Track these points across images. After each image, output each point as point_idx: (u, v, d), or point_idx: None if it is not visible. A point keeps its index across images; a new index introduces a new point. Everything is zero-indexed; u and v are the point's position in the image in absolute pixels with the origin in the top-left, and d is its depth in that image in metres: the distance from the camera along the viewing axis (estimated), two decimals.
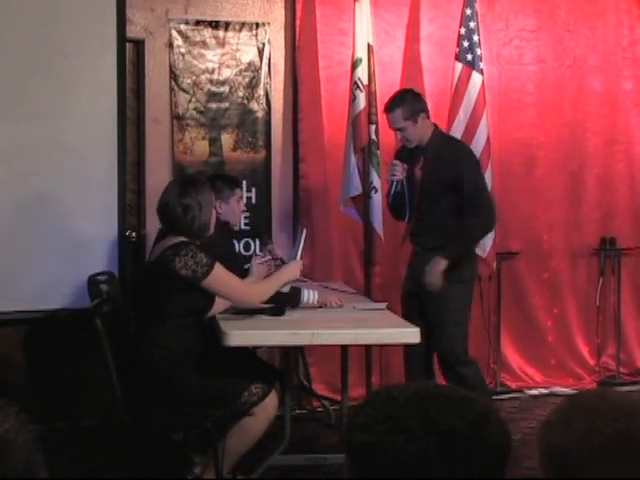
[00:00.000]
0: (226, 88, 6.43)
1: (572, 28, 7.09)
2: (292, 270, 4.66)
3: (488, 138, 6.28)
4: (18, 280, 5.54)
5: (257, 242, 6.35)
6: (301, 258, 4.80)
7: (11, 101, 5.57)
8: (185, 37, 6.34)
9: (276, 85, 6.57)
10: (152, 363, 4.21)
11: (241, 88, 6.46)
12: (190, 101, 6.36)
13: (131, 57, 6.21)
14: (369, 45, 6.29)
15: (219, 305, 4.50)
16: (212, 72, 6.40)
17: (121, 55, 5.80)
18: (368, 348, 6.23)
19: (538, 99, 7.05)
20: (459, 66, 6.34)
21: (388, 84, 6.60)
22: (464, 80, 6.32)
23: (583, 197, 7.18)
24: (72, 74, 5.67)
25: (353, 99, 6.25)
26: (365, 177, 6.26)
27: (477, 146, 6.11)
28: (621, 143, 7.23)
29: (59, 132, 5.64)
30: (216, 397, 4.21)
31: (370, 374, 6.40)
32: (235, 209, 5.36)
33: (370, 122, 6.27)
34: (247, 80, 6.47)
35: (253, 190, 6.46)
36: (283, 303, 4.78)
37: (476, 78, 6.32)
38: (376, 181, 6.25)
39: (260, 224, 6.35)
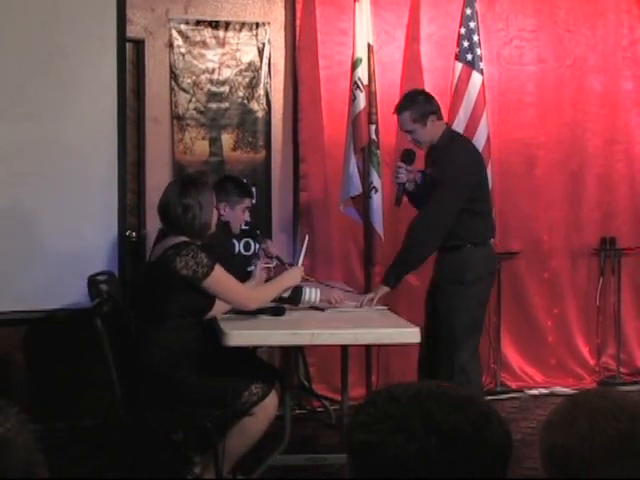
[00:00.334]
0: (226, 88, 6.43)
1: (572, 28, 7.09)
2: (293, 276, 4.66)
3: (488, 138, 6.28)
4: (18, 280, 5.54)
5: (256, 243, 6.34)
6: (302, 264, 4.80)
7: (11, 101, 5.57)
8: (185, 37, 6.34)
9: (276, 85, 6.57)
10: (152, 363, 4.21)
11: (241, 88, 6.46)
12: (190, 101, 6.36)
13: (131, 57, 6.21)
14: (369, 45, 6.30)
15: (220, 306, 4.50)
16: (212, 72, 6.40)
17: (121, 55, 5.80)
18: (368, 348, 6.23)
19: (538, 99, 7.05)
20: (459, 66, 6.35)
21: (388, 84, 6.61)
22: (464, 80, 6.33)
23: (583, 197, 7.18)
24: (72, 74, 5.67)
25: (353, 99, 6.25)
26: (365, 177, 6.26)
27: (477, 146, 6.09)
28: (621, 143, 7.23)
29: (59, 132, 5.64)
30: (216, 397, 4.20)
31: (370, 374, 6.40)
32: (238, 217, 5.35)
33: (370, 122, 6.27)
34: (247, 80, 6.47)
35: (253, 190, 6.45)
36: (284, 303, 4.78)
37: (476, 78, 6.33)
38: (376, 181, 6.25)
39: (260, 224, 6.35)
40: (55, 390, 5.81)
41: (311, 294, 4.89)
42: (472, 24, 6.37)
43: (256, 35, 6.48)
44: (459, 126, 6.21)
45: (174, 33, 6.32)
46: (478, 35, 6.38)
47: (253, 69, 6.48)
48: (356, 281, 6.50)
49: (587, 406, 1.56)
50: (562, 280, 7.15)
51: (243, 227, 5.57)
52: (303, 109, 6.55)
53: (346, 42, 6.46)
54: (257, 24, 6.48)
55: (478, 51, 6.36)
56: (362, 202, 6.30)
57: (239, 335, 4.33)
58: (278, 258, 5.45)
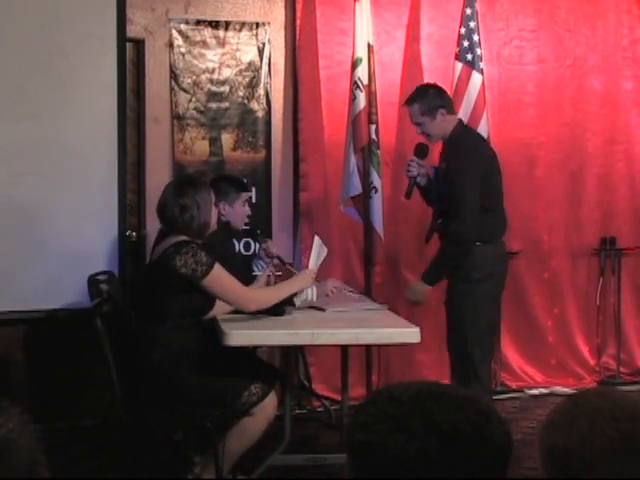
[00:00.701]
0: (226, 88, 6.43)
1: (572, 28, 7.09)
2: (304, 279, 4.64)
3: (488, 138, 6.27)
4: (18, 280, 5.54)
5: (256, 243, 6.34)
6: (317, 266, 4.75)
7: (11, 101, 5.57)
8: (185, 37, 6.34)
9: (276, 85, 6.57)
10: (152, 362, 4.21)
11: (241, 88, 6.46)
12: (190, 101, 6.36)
13: (131, 57, 6.21)
14: (369, 45, 6.30)
15: (221, 307, 4.50)
16: (212, 72, 6.40)
17: (121, 55, 5.80)
18: (368, 348, 6.23)
19: (538, 99, 7.05)
20: (459, 66, 6.35)
21: (388, 84, 6.61)
22: (464, 80, 6.33)
23: (583, 197, 7.18)
24: (72, 74, 5.67)
25: (353, 99, 6.25)
26: (365, 177, 6.26)
27: None
28: (621, 143, 7.22)
29: (59, 132, 5.64)
30: (216, 397, 4.20)
31: (370, 374, 6.40)
32: (239, 212, 5.33)
33: (370, 122, 6.27)
34: (247, 80, 6.47)
35: (253, 190, 6.45)
36: (280, 303, 4.73)
37: (476, 78, 6.33)
38: (376, 181, 6.25)
39: (260, 224, 6.34)
40: (55, 390, 5.81)
41: (307, 292, 4.86)
42: (472, 24, 6.37)
43: (256, 35, 6.48)
44: None
45: (174, 33, 6.32)
46: (478, 35, 6.38)
47: (253, 69, 6.48)
48: (356, 281, 6.50)
49: (587, 406, 1.56)
50: (562, 280, 7.15)
51: (246, 222, 5.55)
52: (303, 109, 6.55)
53: (346, 42, 6.46)
54: (257, 24, 6.48)
55: (478, 51, 6.36)
56: (362, 202, 6.30)
57: (239, 335, 4.33)
58: (279, 258, 5.44)
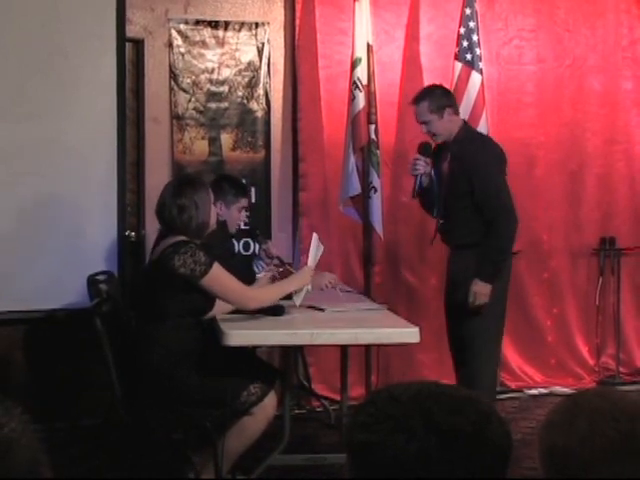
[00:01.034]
0: (225, 88, 6.43)
1: (572, 28, 7.09)
2: (302, 277, 4.64)
3: None
4: (18, 280, 5.54)
5: (256, 243, 6.33)
6: (315, 263, 4.74)
7: (11, 101, 5.57)
8: (185, 37, 6.34)
9: (275, 85, 6.57)
10: (152, 362, 4.21)
11: (240, 88, 6.46)
12: (190, 101, 6.36)
13: (131, 57, 6.21)
14: (369, 45, 6.30)
15: (221, 307, 4.49)
16: (212, 72, 6.40)
17: (121, 55, 5.80)
18: (367, 348, 6.22)
19: (537, 99, 7.05)
20: (458, 66, 6.35)
21: (387, 84, 6.61)
22: (463, 80, 6.33)
23: (583, 197, 7.18)
24: (72, 74, 5.67)
25: (352, 99, 6.25)
26: (364, 177, 6.26)
27: None
28: (621, 143, 7.23)
29: (59, 132, 5.63)
30: (215, 397, 4.20)
31: (369, 374, 6.40)
32: (234, 216, 5.32)
33: (369, 122, 6.27)
34: (247, 80, 6.47)
35: (253, 190, 6.45)
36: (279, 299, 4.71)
37: (475, 78, 6.33)
38: (375, 181, 6.25)
39: (259, 224, 6.34)
40: (55, 390, 5.81)
41: (305, 289, 4.82)
42: (472, 24, 6.37)
43: (255, 35, 6.48)
44: None
45: (173, 33, 6.32)
46: (477, 35, 6.38)
47: (252, 69, 6.48)
48: (355, 281, 6.50)
49: (587, 406, 1.56)
50: (562, 280, 7.15)
51: (241, 227, 5.56)
52: (302, 109, 6.55)
53: (345, 42, 6.46)
54: (256, 24, 6.48)
55: (477, 51, 6.36)
56: (361, 202, 6.30)
57: (238, 335, 4.33)
58: (278, 258, 5.44)
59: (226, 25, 6.42)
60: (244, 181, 6.05)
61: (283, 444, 4.91)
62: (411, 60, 6.71)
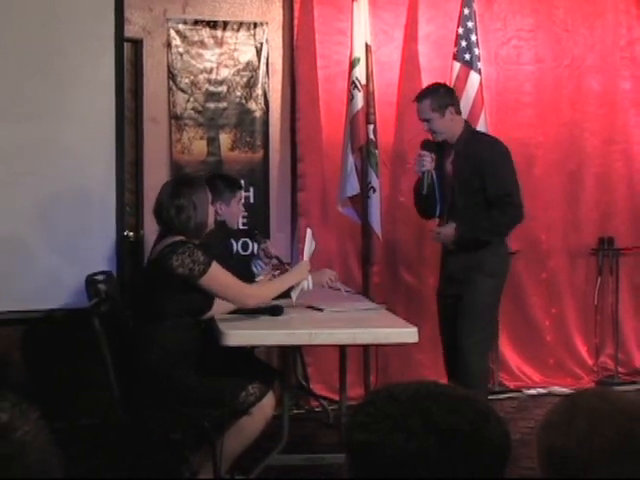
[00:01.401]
0: (224, 88, 6.43)
1: (570, 28, 7.10)
2: (299, 272, 4.64)
3: None
4: (16, 280, 5.54)
5: (254, 243, 6.33)
6: (309, 258, 4.75)
7: (9, 101, 5.56)
8: (183, 37, 6.34)
9: (274, 85, 6.57)
10: (150, 362, 4.21)
11: (239, 88, 6.46)
12: (188, 101, 6.36)
13: (129, 57, 6.21)
14: (367, 45, 6.30)
15: (221, 306, 4.49)
16: (210, 72, 6.40)
17: (119, 55, 5.80)
18: (366, 348, 6.23)
19: (536, 99, 7.05)
20: (457, 66, 6.36)
21: (386, 84, 6.61)
22: (462, 80, 6.33)
23: (581, 197, 7.18)
24: (70, 74, 5.66)
25: (351, 99, 6.25)
26: (363, 177, 6.26)
27: None
28: (619, 143, 7.23)
29: (57, 132, 5.63)
30: (214, 397, 4.20)
31: (368, 374, 6.41)
32: (235, 211, 5.34)
33: (368, 122, 6.27)
34: (245, 80, 6.47)
35: (251, 190, 6.46)
36: (277, 296, 4.71)
37: (474, 78, 6.33)
38: (374, 181, 6.25)
39: (258, 224, 6.34)
40: (53, 390, 5.81)
41: (303, 284, 4.82)
42: (470, 24, 6.37)
43: (254, 35, 6.47)
44: None
45: (172, 33, 6.32)
46: (476, 35, 6.39)
47: (251, 69, 6.47)
48: (354, 281, 6.50)
49: (585, 407, 1.56)
50: (560, 280, 7.15)
51: (241, 224, 5.55)
52: (301, 109, 6.55)
53: (344, 42, 6.46)
54: (255, 24, 6.48)
55: (476, 51, 6.36)
56: (360, 202, 6.30)
57: (237, 335, 4.33)
58: (277, 258, 5.44)
59: (224, 25, 6.42)
60: (242, 181, 6.05)
61: (282, 444, 4.91)
62: (410, 60, 6.71)
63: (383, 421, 1.36)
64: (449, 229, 5.23)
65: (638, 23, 7.23)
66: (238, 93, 6.46)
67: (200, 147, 6.39)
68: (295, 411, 6.29)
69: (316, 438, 5.83)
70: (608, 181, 7.22)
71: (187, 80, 6.36)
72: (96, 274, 4.98)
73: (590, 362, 7.20)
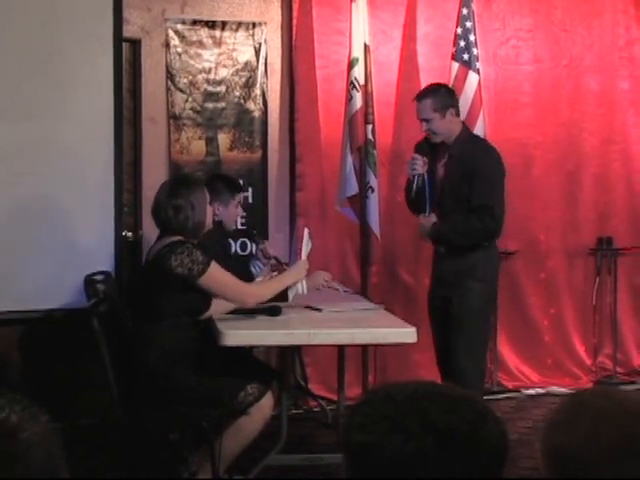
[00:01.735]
0: (223, 88, 6.43)
1: (569, 28, 7.10)
2: (297, 271, 4.65)
3: (485, 138, 6.27)
4: (15, 280, 5.53)
5: (253, 243, 6.33)
6: (307, 257, 4.75)
7: (8, 101, 5.56)
8: (182, 37, 6.34)
9: (273, 85, 6.57)
10: (148, 362, 4.21)
11: (238, 88, 6.46)
12: (187, 101, 6.36)
13: (128, 57, 6.21)
14: (366, 45, 6.30)
15: (220, 306, 4.49)
16: (209, 72, 6.40)
17: (118, 55, 5.79)
18: (365, 348, 6.23)
19: (535, 99, 7.05)
20: (456, 66, 6.36)
21: (385, 84, 6.61)
22: (461, 80, 6.33)
23: (580, 197, 7.18)
24: (69, 74, 5.66)
25: (349, 99, 6.25)
26: (362, 177, 6.26)
27: None
28: (618, 143, 7.23)
29: (56, 132, 5.63)
30: (212, 397, 4.20)
31: (367, 374, 6.41)
32: (232, 213, 5.33)
33: (367, 122, 6.27)
34: (244, 80, 6.47)
35: (250, 190, 6.46)
36: (274, 298, 4.71)
37: (472, 78, 6.33)
38: (373, 181, 6.25)
39: (256, 224, 6.34)
40: (52, 390, 5.80)
41: (298, 286, 4.82)
42: (469, 24, 6.37)
43: (253, 35, 6.47)
44: None
45: (170, 33, 6.32)
46: (475, 35, 6.39)
47: (250, 69, 6.47)
48: (352, 281, 6.50)
49: (591, 406, 1.55)
50: (559, 280, 7.15)
51: (239, 224, 5.55)
52: (300, 109, 6.55)
53: (343, 42, 6.46)
54: (254, 24, 6.48)
55: (475, 51, 6.36)
56: (359, 202, 6.30)
57: (235, 335, 4.33)
58: (276, 259, 5.44)
59: (223, 25, 6.42)
60: (240, 181, 6.06)
61: (280, 444, 4.91)
62: (408, 60, 6.71)
63: (381, 422, 1.36)
64: (429, 221, 5.23)
65: (636, 23, 7.24)
66: (237, 93, 6.46)
67: (199, 147, 6.40)
68: (294, 411, 6.30)
69: (314, 438, 5.84)
70: (607, 181, 7.23)
71: (186, 80, 6.36)
72: (95, 274, 4.98)
73: (588, 362, 7.20)
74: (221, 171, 6.22)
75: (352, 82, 6.24)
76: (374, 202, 6.26)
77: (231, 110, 6.45)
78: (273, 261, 5.42)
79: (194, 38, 6.37)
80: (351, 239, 6.59)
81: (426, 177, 5.28)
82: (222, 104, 6.43)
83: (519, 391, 6.91)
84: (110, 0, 5.73)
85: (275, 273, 5.16)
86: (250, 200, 6.44)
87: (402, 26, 6.73)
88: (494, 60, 6.93)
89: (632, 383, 7.03)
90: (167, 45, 6.32)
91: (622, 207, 7.27)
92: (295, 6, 6.52)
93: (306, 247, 4.80)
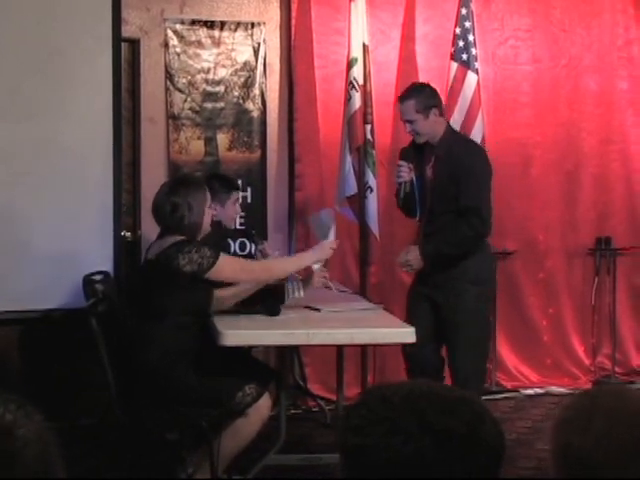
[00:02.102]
0: (221, 88, 6.43)
1: (567, 28, 7.10)
2: (322, 250, 4.66)
3: (483, 138, 6.28)
4: (13, 280, 5.53)
5: (252, 243, 6.33)
6: (335, 238, 4.76)
7: (7, 101, 5.56)
8: (180, 37, 6.34)
9: (271, 85, 6.57)
10: (149, 360, 4.22)
11: (236, 88, 6.46)
12: (185, 101, 6.36)
13: (127, 57, 6.20)
14: (364, 45, 6.30)
15: (236, 293, 4.50)
16: (207, 72, 6.40)
17: (117, 55, 5.79)
18: (364, 348, 6.23)
19: (533, 99, 7.05)
20: (454, 66, 6.36)
21: (383, 84, 6.61)
22: (459, 80, 6.34)
23: (579, 197, 7.18)
24: (68, 74, 5.66)
25: (348, 99, 6.25)
26: (361, 177, 6.26)
27: None
28: (616, 143, 7.23)
29: (55, 132, 5.63)
30: (211, 396, 4.21)
31: (365, 374, 6.40)
32: (231, 212, 5.33)
33: (365, 122, 6.27)
34: (242, 80, 6.47)
35: (248, 190, 6.46)
36: (271, 300, 4.71)
37: (471, 78, 6.33)
38: (372, 181, 6.25)
39: (255, 224, 6.34)
40: (51, 390, 5.80)
41: (294, 290, 4.82)
42: (467, 24, 6.37)
43: (251, 35, 6.47)
44: (454, 126, 6.20)
45: (169, 33, 6.32)
46: (473, 35, 6.39)
47: (248, 69, 6.47)
48: (351, 281, 6.50)
49: (604, 406, 1.54)
50: (557, 280, 7.15)
51: (238, 223, 5.55)
52: (298, 109, 6.55)
53: (341, 42, 6.46)
54: (252, 24, 6.48)
55: (473, 51, 6.36)
56: (358, 202, 6.30)
57: (234, 335, 4.33)
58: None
59: (222, 25, 6.42)
60: (239, 181, 6.06)
61: (279, 444, 4.92)
62: (407, 60, 6.71)
63: (378, 424, 1.35)
64: (414, 255, 5.14)
65: (635, 23, 7.24)
66: (235, 93, 6.46)
67: (198, 147, 6.39)
68: (292, 411, 6.29)
69: (313, 438, 5.84)
70: (605, 181, 7.23)
71: (184, 80, 6.36)
72: (93, 274, 4.98)
73: (587, 362, 7.20)
74: (220, 171, 6.22)
75: (351, 82, 6.24)
76: (373, 202, 6.26)
77: (230, 110, 6.45)
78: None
79: (193, 38, 6.37)
80: (350, 239, 6.58)
81: (414, 182, 5.25)
82: (221, 104, 6.43)
83: (518, 391, 6.91)
84: (109, 0, 5.73)
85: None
86: (249, 200, 6.44)
87: (401, 26, 6.73)
88: (493, 60, 6.93)
89: (631, 383, 7.02)
90: (166, 45, 6.31)
91: (621, 207, 7.27)
92: (294, 6, 6.53)
93: (323, 227, 4.79)
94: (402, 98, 5.20)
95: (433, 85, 5.38)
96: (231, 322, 4.49)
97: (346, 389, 5.59)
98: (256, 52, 6.48)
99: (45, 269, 5.58)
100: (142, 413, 4.27)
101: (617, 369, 7.17)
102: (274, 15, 6.57)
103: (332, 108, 6.52)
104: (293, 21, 6.54)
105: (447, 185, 5.11)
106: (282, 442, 4.93)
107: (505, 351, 7.01)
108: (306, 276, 4.88)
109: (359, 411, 1.39)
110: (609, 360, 7.20)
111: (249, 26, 6.47)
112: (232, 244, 6.17)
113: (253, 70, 6.48)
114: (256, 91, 6.49)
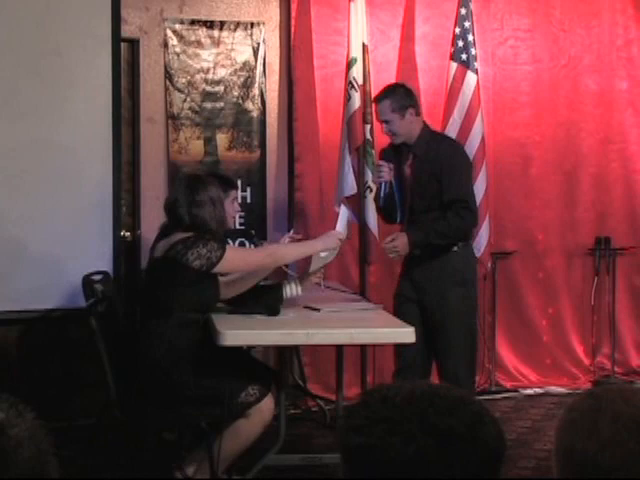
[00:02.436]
0: (221, 88, 6.43)
1: (567, 28, 7.10)
2: (329, 238, 4.67)
3: (483, 138, 6.29)
4: (12, 280, 5.53)
5: (251, 243, 6.33)
6: (345, 230, 4.76)
7: (5, 101, 5.56)
8: (180, 37, 6.34)
9: (271, 85, 6.57)
10: (154, 357, 4.21)
11: (236, 88, 6.46)
12: (185, 101, 6.36)
13: (126, 57, 6.20)
14: (364, 45, 6.29)
15: (241, 282, 4.53)
16: (207, 72, 6.40)
17: (116, 55, 5.79)
18: (363, 348, 6.23)
19: (533, 99, 7.05)
20: (454, 66, 6.35)
21: (383, 84, 6.54)
22: (459, 80, 6.33)
23: (578, 197, 7.19)
24: (67, 74, 5.66)
25: (348, 99, 6.25)
26: (360, 177, 6.26)
27: (472, 146, 6.12)
28: (616, 143, 7.23)
29: (54, 132, 5.63)
30: (214, 395, 4.20)
31: (365, 374, 6.40)
32: (229, 211, 5.32)
33: (365, 122, 6.26)
34: (242, 80, 6.47)
35: (248, 190, 6.46)
36: (270, 300, 4.71)
37: (471, 78, 6.33)
38: (371, 181, 6.25)
39: (255, 224, 6.34)
40: (50, 390, 5.80)
41: (292, 289, 4.80)
42: (467, 24, 6.37)
43: (251, 35, 6.47)
44: (454, 126, 6.22)
45: (169, 33, 6.32)
46: (473, 35, 6.38)
47: (248, 69, 6.47)
48: (351, 281, 6.50)
49: (610, 409, 1.52)
50: (557, 280, 7.15)
51: (237, 223, 5.54)
52: (298, 109, 6.55)
53: (341, 42, 6.46)
54: (252, 24, 6.48)
55: (473, 51, 6.36)
56: (357, 202, 6.30)
57: (234, 335, 4.32)
58: None
59: (221, 25, 6.42)
60: (239, 181, 6.06)
61: (279, 444, 4.91)
62: (406, 60, 6.72)
63: (379, 424, 1.35)
64: (402, 240, 5.11)
65: (635, 23, 7.24)
66: (235, 93, 6.46)
67: (197, 147, 6.39)
68: (292, 411, 6.29)
69: (313, 438, 5.84)
70: (605, 181, 7.23)
71: (184, 80, 6.36)
72: (93, 274, 4.97)
73: (587, 362, 7.20)
74: (220, 171, 6.22)
75: (350, 82, 6.23)
76: (372, 202, 6.25)
77: (229, 110, 6.45)
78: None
79: (192, 38, 6.37)
80: (350, 239, 6.57)
81: (394, 182, 5.25)
82: (220, 104, 6.43)
83: (517, 391, 6.91)
84: (108, 0, 5.73)
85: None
86: (249, 200, 6.44)
87: (400, 26, 6.73)
88: (492, 60, 6.94)
89: (630, 383, 7.02)
90: (165, 45, 6.32)
91: (620, 207, 7.27)
92: (293, 6, 6.53)
93: (342, 220, 4.80)
94: (378, 98, 5.22)
95: (408, 85, 5.40)
96: (230, 322, 4.49)
97: (346, 389, 5.59)
98: (255, 52, 6.48)
99: (44, 269, 5.58)
100: (142, 412, 4.26)
101: (617, 369, 7.17)
102: (273, 15, 6.57)
103: (332, 108, 6.52)
104: (293, 21, 6.54)
105: (427, 183, 5.13)
106: (282, 442, 4.92)
107: (504, 351, 7.02)
108: (303, 274, 4.88)
109: (360, 412, 1.39)
110: (609, 360, 7.20)
111: (248, 26, 6.47)
112: (231, 244, 6.17)
113: (252, 70, 6.48)
114: (255, 91, 6.49)
